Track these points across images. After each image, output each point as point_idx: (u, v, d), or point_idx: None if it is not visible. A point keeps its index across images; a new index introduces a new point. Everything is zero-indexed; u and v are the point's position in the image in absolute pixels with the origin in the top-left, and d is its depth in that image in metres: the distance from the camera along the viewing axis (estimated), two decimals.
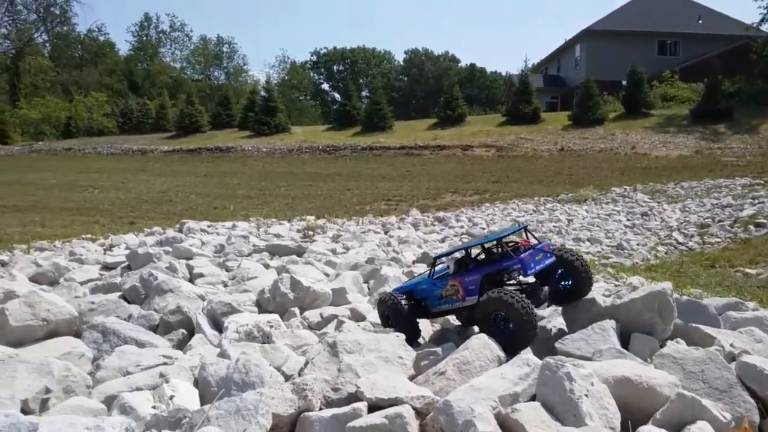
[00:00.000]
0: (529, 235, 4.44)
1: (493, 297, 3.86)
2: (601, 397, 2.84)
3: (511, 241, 4.40)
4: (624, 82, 39.83)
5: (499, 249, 4.30)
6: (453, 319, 5.14)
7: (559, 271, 4.30)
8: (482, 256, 4.53)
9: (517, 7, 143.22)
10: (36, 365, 3.52)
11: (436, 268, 4.76)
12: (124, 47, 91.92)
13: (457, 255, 4.64)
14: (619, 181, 23.86)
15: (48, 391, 3.41)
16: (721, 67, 36.66)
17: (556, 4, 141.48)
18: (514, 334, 3.76)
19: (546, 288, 4.29)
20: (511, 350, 3.68)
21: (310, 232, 12.26)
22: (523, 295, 3.83)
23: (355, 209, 19.59)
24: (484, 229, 14.70)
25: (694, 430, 2.71)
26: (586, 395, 2.79)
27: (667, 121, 36.95)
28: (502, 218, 16.96)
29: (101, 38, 75.48)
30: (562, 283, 4.33)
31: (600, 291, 6.79)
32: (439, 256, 4.83)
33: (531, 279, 4.34)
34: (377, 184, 25.99)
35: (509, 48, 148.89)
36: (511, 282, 4.31)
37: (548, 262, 4.18)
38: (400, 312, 4.60)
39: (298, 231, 12.58)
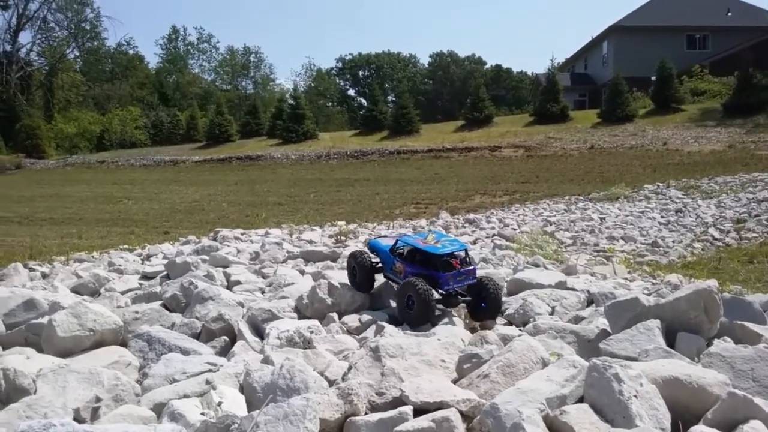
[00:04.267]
0: (468, 256, 5.63)
1: (408, 282, 5.16)
2: (651, 398, 2.81)
3: (456, 255, 5.52)
4: (653, 78, 39.28)
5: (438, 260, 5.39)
6: None
7: (483, 294, 5.30)
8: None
9: (542, 6, 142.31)
10: (86, 374, 3.60)
11: (398, 245, 5.95)
12: (153, 60, 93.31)
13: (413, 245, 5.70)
14: (652, 178, 23.53)
15: (98, 399, 3.48)
16: (752, 60, 35.95)
17: (581, 1, 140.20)
18: (415, 313, 5.02)
19: (462, 298, 5.40)
20: (412, 325, 5.05)
21: (343, 238, 12.32)
22: (429, 288, 5.03)
23: (385, 213, 19.61)
24: (515, 230, 14.60)
25: (747, 430, 2.66)
26: (635, 396, 2.76)
27: (698, 116, 36.34)
28: (533, 218, 16.83)
29: (130, 52, 76.85)
30: (481, 303, 5.33)
31: (639, 290, 6.71)
32: (403, 240, 5.91)
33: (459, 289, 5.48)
34: (406, 187, 25.98)
35: (535, 47, 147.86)
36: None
37: (467, 282, 5.37)
38: (364, 267, 5.90)
39: (331, 236, 12.65)
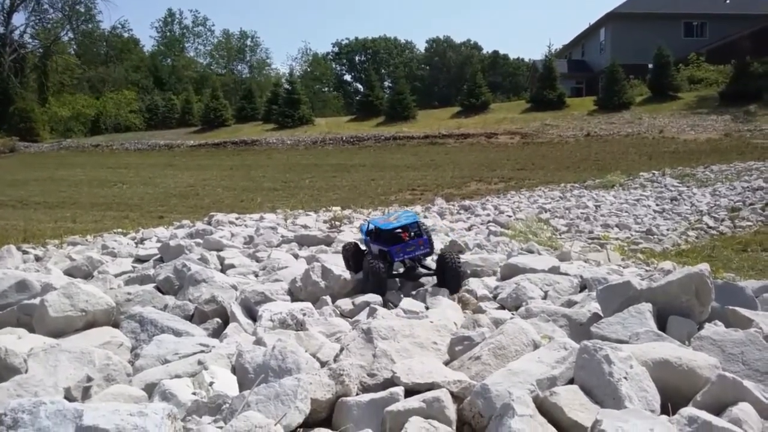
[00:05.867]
0: (420, 227, 6.19)
1: (365, 260, 5.82)
2: (641, 380, 2.82)
3: (408, 228, 6.14)
4: (650, 66, 39.18)
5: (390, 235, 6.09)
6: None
7: (444, 267, 5.84)
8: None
9: None
10: (77, 354, 3.60)
11: (369, 226, 6.62)
12: (148, 43, 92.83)
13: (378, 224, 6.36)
14: (647, 166, 23.54)
15: (90, 379, 3.48)
16: (749, 48, 35.86)
17: None
18: (372, 285, 5.62)
19: (424, 272, 6.09)
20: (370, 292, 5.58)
21: (337, 223, 12.32)
22: (381, 264, 5.63)
23: (380, 199, 19.60)
24: (510, 216, 14.62)
25: (736, 412, 2.67)
26: (625, 378, 2.77)
27: (695, 104, 36.30)
28: (529, 205, 16.85)
29: (125, 35, 76.16)
30: (442, 276, 5.89)
31: (632, 276, 6.73)
32: (370, 222, 6.60)
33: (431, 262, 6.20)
34: (401, 173, 25.94)
35: (532, 34, 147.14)
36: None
37: (419, 252, 5.95)
38: (356, 256, 6.48)
39: (325, 222, 12.65)
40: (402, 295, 5.83)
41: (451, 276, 5.81)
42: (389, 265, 6.00)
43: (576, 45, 56.76)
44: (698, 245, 11.92)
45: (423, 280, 6.26)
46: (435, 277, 6.12)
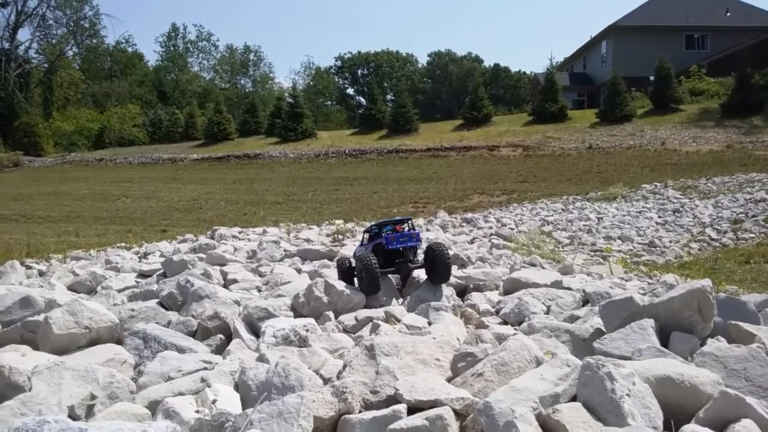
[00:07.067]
0: (412, 224, 6.74)
1: (359, 260, 5.87)
2: (643, 397, 2.82)
3: (402, 227, 6.60)
4: (652, 78, 39.30)
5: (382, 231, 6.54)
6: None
7: (432, 259, 6.01)
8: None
9: (541, 5, 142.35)
10: (81, 372, 3.60)
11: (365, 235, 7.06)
12: (152, 58, 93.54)
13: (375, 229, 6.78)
14: (650, 178, 23.57)
15: (93, 397, 3.48)
16: (750, 60, 35.98)
17: (581, 1, 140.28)
18: (366, 284, 5.79)
19: (413, 266, 6.36)
20: (366, 292, 5.83)
21: (340, 236, 12.32)
22: (372, 259, 5.75)
23: (383, 212, 19.62)
24: (513, 229, 14.62)
25: (739, 429, 2.67)
26: (627, 395, 2.77)
27: (696, 116, 36.39)
28: (531, 218, 16.86)
29: (129, 50, 76.77)
30: (431, 267, 6.07)
31: (634, 289, 6.72)
32: (370, 225, 6.99)
33: (421, 258, 6.44)
34: (404, 186, 26.00)
35: (534, 46, 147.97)
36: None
37: (410, 244, 6.28)
38: (350, 271, 6.62)
39: (328, 235, 12.65)
40: (406, 310, 5.82)
41: (440, 267, 5.98)
42: (383, 257, 6.33)
43: (578, 58, 56.96)
44: (701, 257, 11.91)
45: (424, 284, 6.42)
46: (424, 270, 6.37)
